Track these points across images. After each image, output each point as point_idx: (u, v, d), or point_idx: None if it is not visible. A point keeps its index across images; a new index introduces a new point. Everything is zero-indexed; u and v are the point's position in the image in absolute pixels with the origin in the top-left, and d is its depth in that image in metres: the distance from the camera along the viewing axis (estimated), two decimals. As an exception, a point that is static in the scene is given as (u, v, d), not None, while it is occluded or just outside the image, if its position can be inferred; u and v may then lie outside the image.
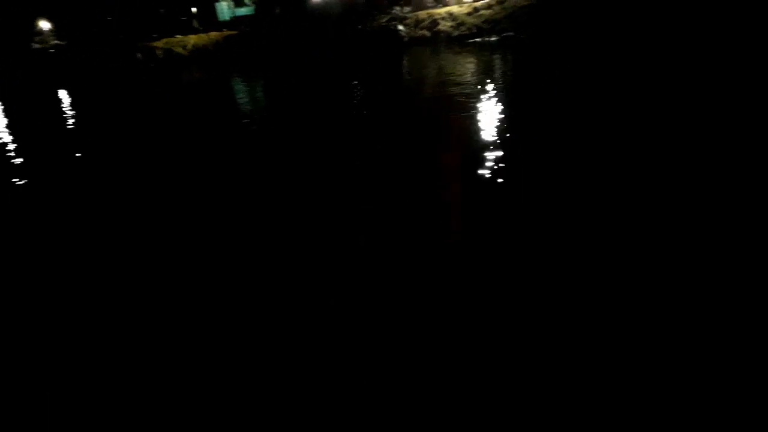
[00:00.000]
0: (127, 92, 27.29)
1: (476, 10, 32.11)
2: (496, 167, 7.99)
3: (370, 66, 25.29)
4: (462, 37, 31.44)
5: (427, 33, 32.75)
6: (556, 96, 12.66)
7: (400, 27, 33.26)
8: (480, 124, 10.69)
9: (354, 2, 35.15)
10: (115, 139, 14.86)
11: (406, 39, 32.93)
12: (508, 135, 9.71)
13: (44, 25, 57.95)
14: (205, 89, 26.16)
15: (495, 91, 14.15)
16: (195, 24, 47.20)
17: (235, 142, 12.59)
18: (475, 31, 31.46)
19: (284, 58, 32.94)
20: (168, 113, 19.25)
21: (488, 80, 16.13)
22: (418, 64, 24.84)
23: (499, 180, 7.51)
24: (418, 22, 33.45)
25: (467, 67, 20.22)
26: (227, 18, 46.00)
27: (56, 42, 54.52)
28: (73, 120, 19.35)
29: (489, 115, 11.39)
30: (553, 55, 20.88)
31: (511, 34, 29.78)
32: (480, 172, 7.87)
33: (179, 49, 42.35)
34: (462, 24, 32.10)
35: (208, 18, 46.31)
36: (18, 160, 12.90)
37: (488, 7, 31.64)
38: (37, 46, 55.04)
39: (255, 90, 23.14)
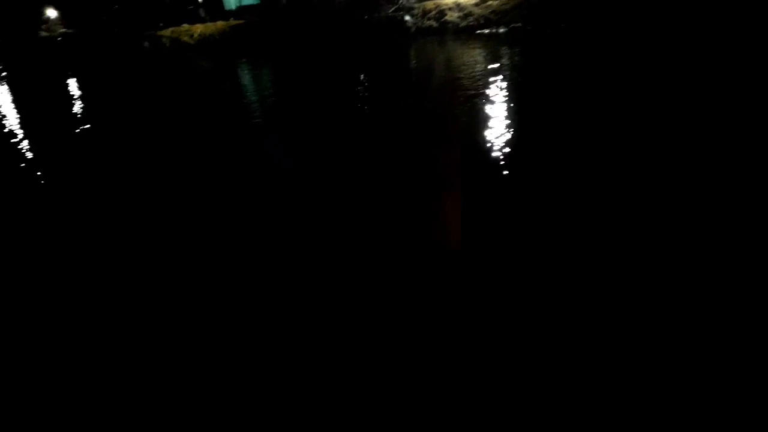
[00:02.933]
0: (134, 80, 27.27)
1: (484, 0, 31.80)
2: (504, 167, 7.93)
3: (375, 57, 25.17)
4: (469, 28, 31.16)
5: (434, 24, 32.46)
6: (568, 91, 12.52)
7: (407, 18, 33.00)
8: (485, 120, 10.59)
9: (361, -8, 34.87)
10: (122, 128, 14.87)
11: (413, 30, 32.67)
12: (516, 133, 9.59)
13: (51, 13, 57.91)
14: (210, 78, 26.13)
15: (502, 86, 14.00)
16: (202, 13, 47.02)
17: (237, 135, 12.52)
18: (482, 22, 31.15)
19: (290, 48, 32.82)
20: (173, 101, 19.23)
21: (496, 73, 15.99)
22: (425, 55, 24.69)
23: (508, 180, 7.45)
24: (425, 13, 33.14)
25: (474, 59, 20.08)
26: (233, 7, 45.79)
27: (63, 30, 54.49)
28: (81, 108, 19.37)
29: (495, 110, 11.28)
30: (563, 47, 20.70)
31: (519, 25, 29.50)
32: (486, 170, 7.82)
33: (186, 38, 42.23)
34: (469, 15, 31.79)
35: (215, 7, 46.12)
36: (27, 152, 12.94)
37: (496, -3, 31.32)
38: (44, 34, 55.02)
39: (260, 80, 23.08)
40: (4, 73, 40.82)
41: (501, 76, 15.04)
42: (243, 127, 13.01)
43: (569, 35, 23.43)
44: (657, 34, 19.18)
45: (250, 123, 13.42)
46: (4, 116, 20.53)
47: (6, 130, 16.21)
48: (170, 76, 27.88)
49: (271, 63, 27.95)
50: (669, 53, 15.40)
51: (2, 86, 31.89)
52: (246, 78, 24.20)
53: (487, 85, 13.95)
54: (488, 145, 8.86)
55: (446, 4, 32.81)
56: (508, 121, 10.16)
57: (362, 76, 19.23)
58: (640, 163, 7.39)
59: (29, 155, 12.56)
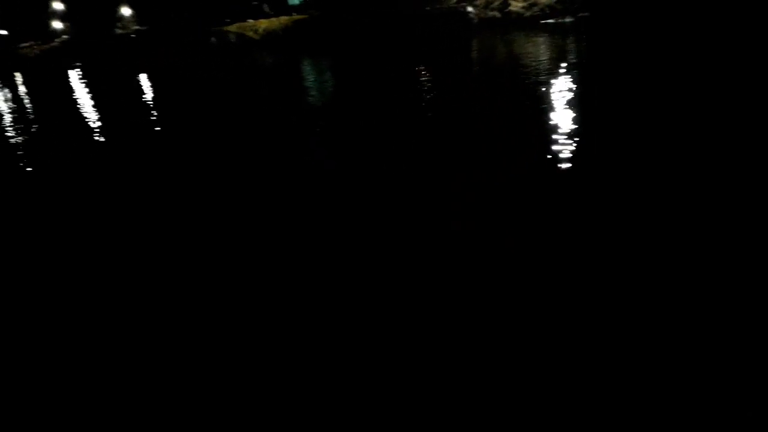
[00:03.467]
0: (201, 74, 28.18)
1: (550, -11, 30.97)
2: (573, 181, 7.67)
3: (437, 49, 24.93)
4: (534, 17, 30.42)
5: (497, 14, 31.90)
6: (647, 87, 11.87)
7: (470, 8, 32.55)
8: (553, 120, 10.18)
9: (423, -17, 34.67)
10: (187, 120, 15.41)
11: (475, 20, 32.22)
12: (588, 140, 9.14)
13: (126, 11, 60.70)
14: (273, 72, 26.63)
15: (572, 80, 13.49)
16: (266, 8, 48.09)
17: (296, 130, 12.61)
18: (548, 11, 30.36)
19: (352, 41, 33.00)
20: (235, 95, 19.73)
21: (565, 66, 15.43)
22: (488, 47, 24.25)
23: (577, 196, 7.20)
24: (488, 3, 32.62)
25: (540, 49, 19.55)
26: (297, 2, 46.57)
27: (137, 27, 57.02)
28: (149, 100, 20.24)
29: (561, 110, 10.87)
30: (635, 37, 19.83)
31: (587, 14, 28.53)
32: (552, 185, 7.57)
33: (251, 33, 43.33)
34: (534, 4, 31.05)
35: (279, 2, 47.05)
36: (96, 137, 13.59)
37: (563, -14, 30.42)
38: (119, 31, 57.78)
39: (322, 74, 23.34)
40: (79, 65, 43.35)
41: (568, 70, 14.53)
42: (302, 123, 13.12)
43: (641, 25, 22.40)
44: (748, 24, 18.07)
45: (309, 119, 13.52)
46: (79, 106, 21.80)
47: (78, 119, 17.17)
48: (234, 71, 28.62)
49: (333, 56, 28.19)
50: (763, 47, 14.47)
51: (79, 78, 33.79)
52: (308, 72, 24.54)
53: (553, 78, 13.52)
54: (554, 150, 8.57)
55: (510, -6, 32.22)
56: (578, 126, 9.70)
57: (423, 70, 19.09)
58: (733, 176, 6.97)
59: (98, 140, 13.27)
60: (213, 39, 44.76)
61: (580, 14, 28.83)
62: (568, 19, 28.83)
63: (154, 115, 17.38)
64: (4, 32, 71.99)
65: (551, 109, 10.71)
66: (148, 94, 22.94)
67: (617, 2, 27.43)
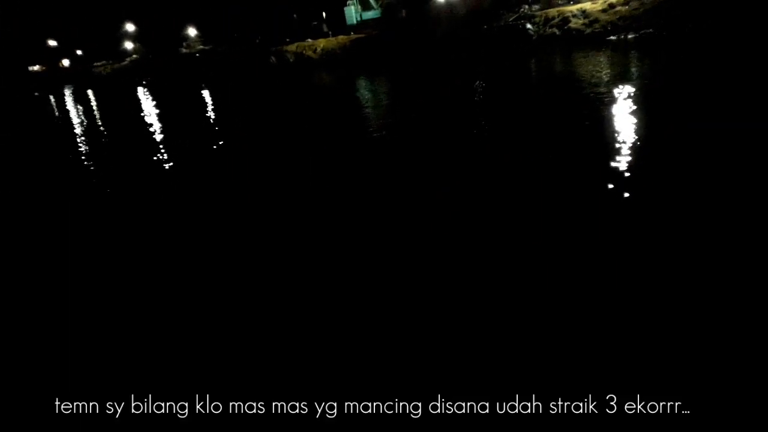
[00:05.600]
0: (260, 91, 28.97)
1: (611, 6, 30.35)
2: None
3: (495, 67, 24.76)
4: (594, 35, 29.87)
5: (556, 31, 31.52)
6: (718, 110, 11.11)
7: (529, 26, 32.33)
8: (610, 139, 9.72)
9: (480, 2, 34.67)
10: (246, 133, 15.86)
11: (534, 38, 31.94)
12: (644, 160, 8.72)
13: (191, 32, 63.44)
14: (329, 90, 27.09)
15: (633, 99, 12.95)
16: (324, 28, 49.21)
17: (349, 147, 12.58)
18: (609, 28, 29.75)
19: (409, 59, 33.25)
20: (292, 111, 20.14)
21: (626, 85, 14.88)
22: (546, 64, 23.92)
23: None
24: (547, 20, 32.30)
25: (600, 67, 19.11)
26: (355, 22, 47.44)
27: (201, 47, 59.43)
28: (213, 115, 20.96)
29: (623, 129, 10.39)
30: (703, 55, 19.11)
31: (650, 31, 27.78)
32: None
33: (309, 53, 44.37)
34: (595, 21, 30.51)
35: (337, 22, 48.08)
36: (161, 146, 14.12)
37: (625, 2, 29.74)
38: (184, 50, 60.38)
39: (377, 92, 23.54)
40: (147, 81, 45.43)
41: (629, 89, 13.97)
42: (356, 139, 13.13)
43: (708, 41, 21.59)
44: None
45: (363, 136, 13.51)
46: (146, 116, 22.81)
47: (144, 128, 17.96)
48: (291, 88, 29.29)
49: (389, 75, 28.44)
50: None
51: (146, 94, 35.45)
52: (363, 90, 24.82)
53: (613, 97, 13.03)
54: (610, 168, 8.24)
55: (570, 11, 31.74)
56: (636, 146, 9.32)
57: (480, 88, 18.96)
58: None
59: (162, 149, 13.82)
60: (272, 58, 46.07)
61: (643, 31, 28.11)
62: (630, 36, 28.19)
63: (214, 128, 17.97)
64: (80, 52, 76.54)
65: (609, 127, 10.32)
66: (210, 109, 23.78)
67: (683, 18, 26.60)
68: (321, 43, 44.61)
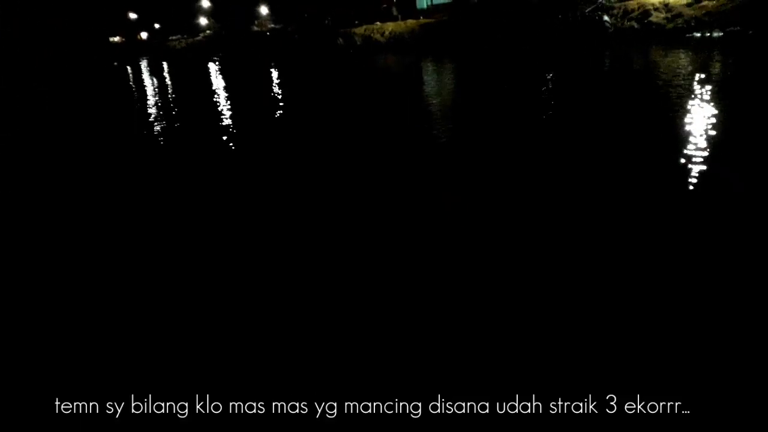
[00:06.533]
0: (325, 72, 29.21)
1: (698, 0, 28.71)
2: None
3: (567, 59, 23.97)
4: (677, 30, 28.34)
5: (635, 25, 30.12)
6: None
7: (606, 18, 31.02)
8: (682, 143, 9.17)
9: (556, -10, 33.51)
10: (308, 113, 16.04)
11: (611, 30, 30.64)
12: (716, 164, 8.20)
13: (263, 10, 64.56)
14: (395, 75, 26.96)
15: (713, 103, 12.19)
16: (394, 12, 48.91)
17: (409, 133, 12.43)
18: (693, 24, 28.15)
19: (479, 47, 32.65)
20: (354, 95, 20.17)
21: (706, 86, 14.02)
22: (622, 58, 22.94)
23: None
24: (626, 13, 30.90)
25: (680, 65, 18.14)
26: (425, 6, 46.93)
27: (272, 26, 60.41)
28: (276, 91, 21.30)
29: (699, 134, 9.76)
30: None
31: (737, 28, 26.12)
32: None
33: (377, 36, 44.25)
34: (678, 15, 28.93)
35: (407, 6, 47.67)
36: (227, 120, 14.46)
37: (713, -4, 28.06)
38: (256, 29, 61.57)
39: (442, 79, 23.24)
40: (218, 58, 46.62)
41: (710, 91, 13.14)
42: (416, 126, 12.94)
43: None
44: None
45: (423, 123, 13.31)
46: (215, 89, 23.33)
47: (211, 100, 18.49)
48: (357, 71, 29.35)
49: (458, 62, 28.03)
50: None
51: (217, 70, 36.41)
52: (429, 76, 24.57)
53: (691, 98, 12.30)
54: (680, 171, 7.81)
55: (652, 4, 30.23)
56: (709, 151, 8.80)
57: (549, 79, 18.40)
58: None
59: (226, 121, 14.20)
60: (340, 40, 46.25)
61: (730, 28, 26.46)
62: (716, 34, 26.62)
63: (278, 105, 18.26)
64: (157, 25, 79.40)
65: (683, 131, 9.78)
66: (276, 87, 24.16)
67: (776, 16, 24.87)
68: (389, 27, 44.41)
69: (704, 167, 7.81)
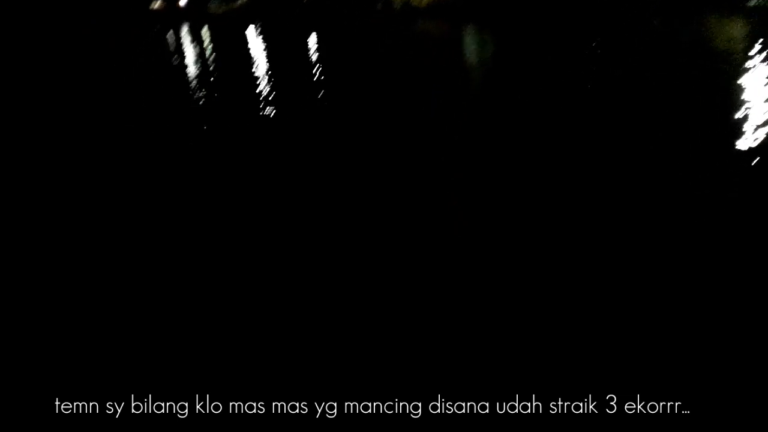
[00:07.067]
0: (363, 38, 28.80)
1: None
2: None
3: (615, 24, 22.99)
4: None
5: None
6: None
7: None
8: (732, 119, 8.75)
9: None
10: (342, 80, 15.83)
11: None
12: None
13: (301, -25, 63.79)
14: (434, 41, 26.41)
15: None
16: (435, -25, 47.66)
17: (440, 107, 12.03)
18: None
19: (524, 12, 31.56)
20: (388, 62, 19.80)
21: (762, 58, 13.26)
22: (672, 25, 21.88)
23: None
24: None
25: (736, 35, 17.17)
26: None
27: (310, -9, 59.74)
28: (316, 60, 21.18)
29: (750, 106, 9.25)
30: None
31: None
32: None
33: (416, 2, 43.38)
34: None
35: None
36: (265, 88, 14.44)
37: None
38: (293, -6, 60.99)
39: (483, 47, 22.66)
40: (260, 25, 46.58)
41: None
42: (452, 97, 12.57)
43: None
44: None
45: (461, 94, 12.94)
46: (254, 54, 23.64)
47: (249, 65, 18.46)
48: (396, 37, 28.88)
49: (502, 28, 27.24)
50: None
51: (256, 35, 36.41)
52: (470, 44, 23.98)
53: (745, 71, 11.62)
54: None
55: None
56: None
57: (596, 46, 17.73)
58: None
59: (267, 91, 14.21)
60: (379, 5, 45.52)
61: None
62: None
63: (317, 74, 18.16)
64: (198, -11, 79.46)
65: (734, 103, 9.29)
66: (314, 54, 24.01)
67: None
68: (429, -8, 43.42)
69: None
